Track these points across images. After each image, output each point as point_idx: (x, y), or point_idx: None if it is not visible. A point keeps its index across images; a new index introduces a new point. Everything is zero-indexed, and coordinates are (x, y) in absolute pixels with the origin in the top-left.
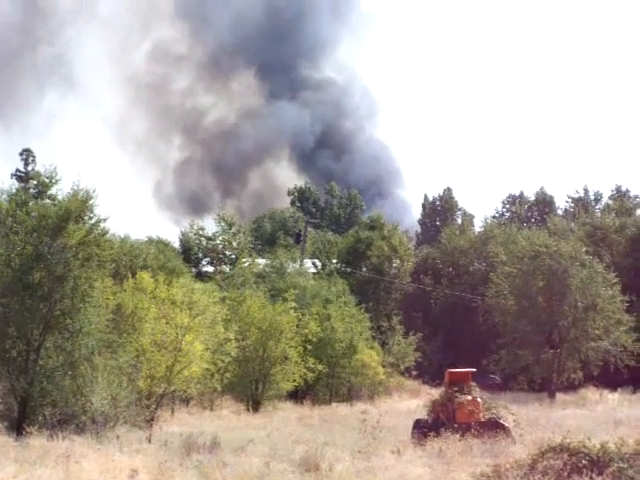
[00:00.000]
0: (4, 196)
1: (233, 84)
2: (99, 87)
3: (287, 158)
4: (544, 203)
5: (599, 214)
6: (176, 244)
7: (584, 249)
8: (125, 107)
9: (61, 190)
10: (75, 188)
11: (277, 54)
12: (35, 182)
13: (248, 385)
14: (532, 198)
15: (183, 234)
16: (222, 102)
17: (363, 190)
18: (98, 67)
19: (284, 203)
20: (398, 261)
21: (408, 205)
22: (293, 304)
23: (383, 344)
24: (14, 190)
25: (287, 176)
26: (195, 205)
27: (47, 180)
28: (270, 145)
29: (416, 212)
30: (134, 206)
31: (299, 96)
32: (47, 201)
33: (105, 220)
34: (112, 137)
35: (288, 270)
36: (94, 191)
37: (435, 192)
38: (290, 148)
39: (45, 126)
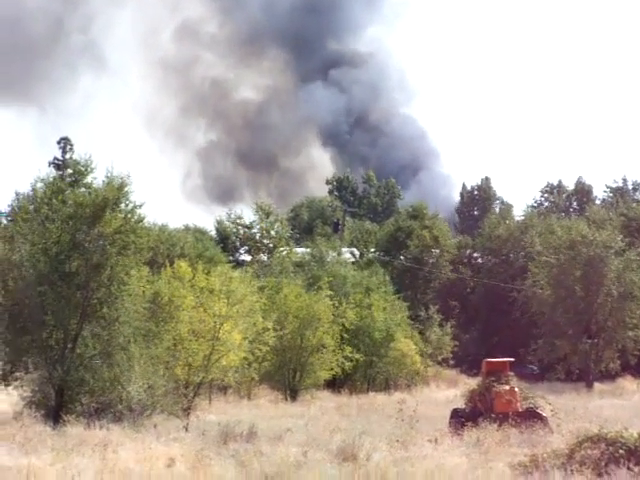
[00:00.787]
0: (40, 184)
1: (264, 63)
2: (130, 70)
3: (319, 141)
4: (582, 193)
5: (635, 205)
6: (212, 233)
7: (620, 237)
8: (155, 90)
9: (96, 179)
10: (109, 175)
11: (309, 33)
12: (71, 171)
13: (286, 374)
14: (570, 187)
15: (218, 222)
16: (252, 82)
17: (399, 172)
18: (129, 50)
19: (316, 188)
20: (438, 251)
21: (446, 178)
22: (328, 292)
23: (420, 333)
24: (50, 178)
25: (319, 158)
26: (224, 192)
27: (83, 168)
28: (302, 128)
29: (455, 186)
30: (164, 193)
31: (332, 76)
32: (83, 189)
33: (141, 206)
34: (142, 121)
35: (327, 259)
36: (129, 177)
37: (473, 181)
38: (322, 131)
39: (79, 110)
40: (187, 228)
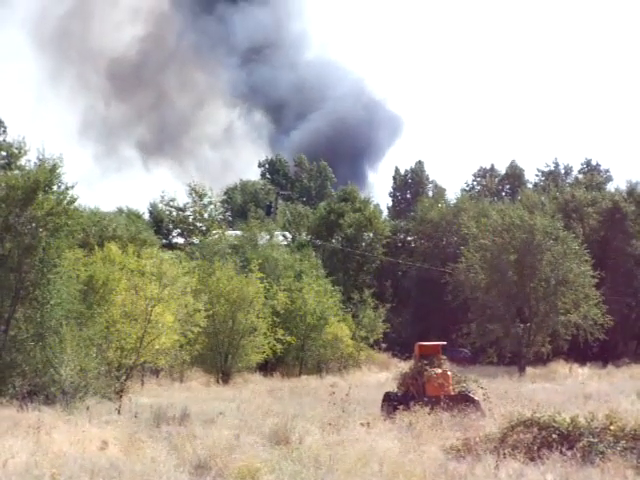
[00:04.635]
0: None
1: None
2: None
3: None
4: (514, 176)
5: (569, 188)
6: (145, 216)
7: (560, 225)
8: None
9: (30, 161)
10: (41, 157)
11: None
12: (4, 153)
13: (217, 357)
14: (503, 171)
15: (152, 205)
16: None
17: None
18: None
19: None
20: (371, 234)
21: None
22: (258, 274)
23: (353, 316)
24: None
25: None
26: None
27: (16, 151)
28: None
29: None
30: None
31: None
32: (16, 172)
33: (72, 187)
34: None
35: (260, 242)
36: (61, 159)
37: (407, 165)
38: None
39: None
40: (121, 211)
